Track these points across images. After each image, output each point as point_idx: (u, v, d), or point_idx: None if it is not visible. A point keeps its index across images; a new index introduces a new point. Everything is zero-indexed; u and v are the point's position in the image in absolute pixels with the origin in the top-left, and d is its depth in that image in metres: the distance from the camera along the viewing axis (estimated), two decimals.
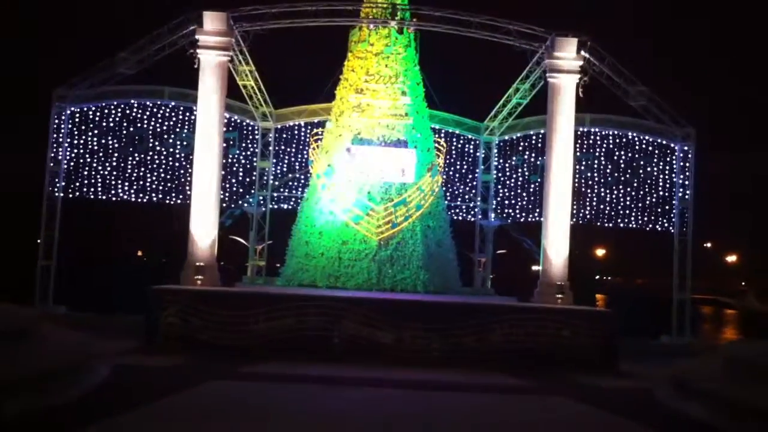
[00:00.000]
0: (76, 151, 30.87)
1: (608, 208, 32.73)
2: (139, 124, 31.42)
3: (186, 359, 21.14)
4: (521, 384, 20.43)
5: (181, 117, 31.69)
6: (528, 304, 26.03)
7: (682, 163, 31.28)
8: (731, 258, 75.25)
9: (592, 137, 32.42)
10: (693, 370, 17.91)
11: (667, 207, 31.89)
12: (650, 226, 32.31)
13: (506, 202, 34.55)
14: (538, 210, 32.25)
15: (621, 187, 32.54)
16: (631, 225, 32.77)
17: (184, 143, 31.40)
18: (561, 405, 17.79)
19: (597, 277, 32.45)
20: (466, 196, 34.96)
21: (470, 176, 35.02)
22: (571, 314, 24.06)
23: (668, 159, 31.85)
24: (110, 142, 31.21)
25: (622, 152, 32.39)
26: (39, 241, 29.88)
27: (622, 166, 32.42)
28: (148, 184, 31.49)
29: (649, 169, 32.15)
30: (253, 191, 33.86)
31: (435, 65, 32.46)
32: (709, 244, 71.41)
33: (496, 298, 30.42)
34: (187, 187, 30.11)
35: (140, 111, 31.43)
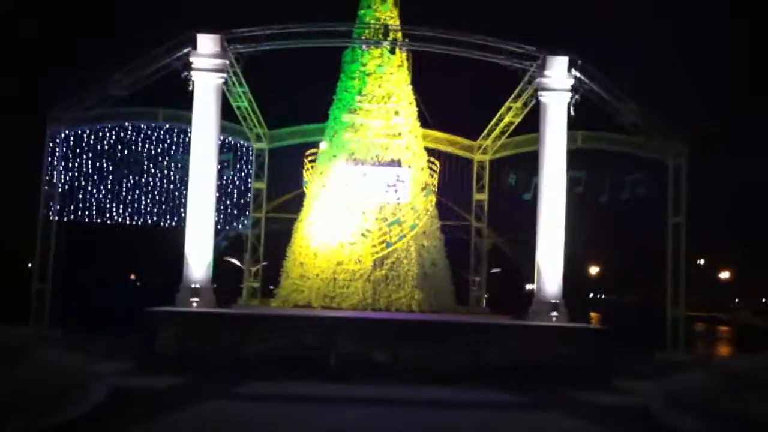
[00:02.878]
0: (70, 173, 30.94)
1: (601, 224, 32.84)
2: (133, 147, 31.56)
3: (183, 380, 21.09)
4: (517, 400, 20.46)
5: (175, 139, 31.85)
6: (522, 322, 26.12)
7: (674, 179, 31.41)
8: (724, 275, 75.42)
9: (584, 154, 32.55)
10: (687, 385, 17.98)
11: (660, 223, 31.96)
12: (643, 242, 32.43)
13: (500, 221, 34.68)
14: (531, 228, 32.37)
15: (614, 203, 32.68)
16: (624, 242, 32.89)
17: (179, 165, 31.53)
18: (556, 421, 17.85)
19: (590, 294, 32.44)
20: (460, 216, 35.09)
21: (464, 195, 35.19)
22: (564, 332, 24.15)
23: (661, 175, 31.97)
24: (105, 165, 31.30)
25: (615, 169, 32.57)
26: (30, 265, 29.89)
27: (615, 182, 32.58)
28: (142, 206, 31.55)
29: (642, 185, 32.30)
30: (247, 212, 33.96)
31: (428, 85, 32.70)
32: (701, 261, 71.64)
33: (490, 317, 30.45)
34: (182, 209, 30.18)
35: (135, 133, 31.57)
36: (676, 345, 30.34)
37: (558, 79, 27.42)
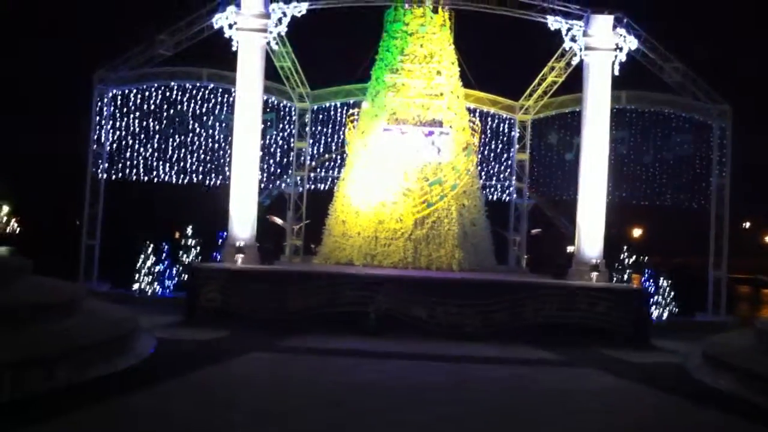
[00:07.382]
0: (117, 132, 31.49)
1: (644, 186, 32.68)
2: (178, 106, 31.93)
3: (226, 334, 21.65)
4: (554, 358, 20.68)
5: (219, 98, 32.15)
6: (561, 282, 26.22)
7: (719, 141, 31.06)
8: None
9: (627, 115, 32.29)
10: (724, 345, 18.05)
11: (703, 185, 31.71)
12: (687, 204, 32.19)
13: (541, 180, 34.64)
14: (573, 189, 32.27)
15: (657, 165, 32.46)
16: (667, 203, 32.69)
17: (223, 124, 31.91)
18: (593, 378, 18.05)
19: (633, 257, 32.19)
20: (501, 176, 35.09)
21: (505, 155, 35.13)
22: (603, 292, 24.21)
23: (705, 136, 31.64)
24: (151, 124, 31.78)
25: (658, 130, 32.28)
26: (78, 222, 30.61)
27: (659, 143, 32.31)
28: (188, 165, 32.05)
29: (685, 146, 32.00)
30: (290, 171, 34.32)
31: (470, 45, 32.52)
32: (747, 224, 70.68)
33: (529, 276, 30.55)
34: (227, 168, 30.61)
35: (179, 93, 31.91)
36: (717, 306, 30.22)
37: (602, 38, 27.19)
